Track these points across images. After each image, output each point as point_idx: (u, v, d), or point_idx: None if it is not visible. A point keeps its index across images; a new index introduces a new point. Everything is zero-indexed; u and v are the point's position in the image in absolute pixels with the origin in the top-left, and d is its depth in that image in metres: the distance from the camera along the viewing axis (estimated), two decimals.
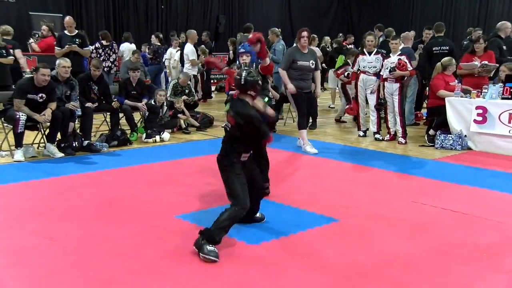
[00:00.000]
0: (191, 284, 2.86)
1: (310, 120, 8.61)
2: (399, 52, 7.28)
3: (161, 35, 12.25)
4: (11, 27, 11.34)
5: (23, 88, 5.84)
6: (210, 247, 3.17)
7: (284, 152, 6.39)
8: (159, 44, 11.05)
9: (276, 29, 9.79)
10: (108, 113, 7.18)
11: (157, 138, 7.09)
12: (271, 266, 3.11)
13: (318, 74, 6.75)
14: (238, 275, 2.99)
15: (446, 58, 7.20)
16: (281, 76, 6.60)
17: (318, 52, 11.13)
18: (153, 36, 11.40)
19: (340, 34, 14.33)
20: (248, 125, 3.32)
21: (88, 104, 6.54)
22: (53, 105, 5.93)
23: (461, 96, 6.88)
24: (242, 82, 3.42)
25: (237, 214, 3.28)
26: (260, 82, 3.49)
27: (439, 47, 8.05)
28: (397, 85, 7.09)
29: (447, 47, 8.01)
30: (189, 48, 9.75)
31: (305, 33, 6.44)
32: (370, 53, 7.39)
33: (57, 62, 6.32)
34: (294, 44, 6.67)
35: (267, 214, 4.02)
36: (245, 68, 3.84)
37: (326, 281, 2.94)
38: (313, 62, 6.49)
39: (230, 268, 3.07)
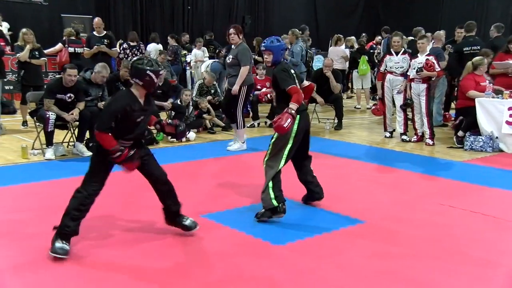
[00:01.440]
0: (215, 284, 2.88)
1: (336, 121, 8.57)
2: (427, 52, 7.15)
3: (186, 36, 12.37)
4: (44, 28, 11.76)
5: (52, 88, 6.01)
6: (59, 244, 3.11)
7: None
8: (176, 44, 11.15)
9: (297, 30, 9.74)
10: None
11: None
12: (296, 266, 3.10)
13: (241, 70, 6.21)
14: (262, 275, 2.99)
15: (477, 58, 7.02)
16: None
17: (344, 53, 11.05)
18: (168, 37, 11.46)
19: (363, 34, 14.17)
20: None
21: None
22: (81, 105, 6.06)
23: (493, 97, 6.71)
24: (129, 67, 3.25)
25: (80, 200, 3.22)
26: (151, 71, 3.18)
27: (469, 47, 7.85)
28: (424, 85, 6.96)
29: (478, 47, 7.81)
30: None
31: (231, 30, 6.42)
32: (397, 53, 7.29)
33: (99, 69, 6.41)
34: None
35: (293, 215, 4.02)
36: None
37: (352, 282, 2.91)
38: (230, 57, 6.35)
39: (254, 269, 3.07)
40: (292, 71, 4.02)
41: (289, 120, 3.65)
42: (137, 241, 3.47)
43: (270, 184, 3.80)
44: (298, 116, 3.80)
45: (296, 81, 3.94)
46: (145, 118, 3.38)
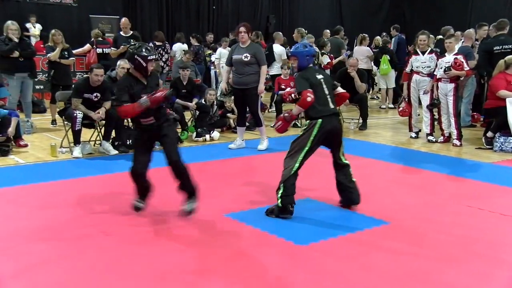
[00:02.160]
0: (238, 283, 2.89)
1: (361, 121, 8.48)
2: (456, 51, 7.00)
3: (210, 36, 12.47)
4: (73, 29, 12.06)
5: (80, 88, 6.14)
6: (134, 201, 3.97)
7: None
8: (198, 44, 11.23)
9: (302, 29, 10.04)
10: None
11: (207, 137, 7.20)
12: (319, 267, 3.08)
13: (262, 70, 6.32)
14: (285, 275, 2.98)
15: (510, 56, 6.82)
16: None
17: (369, 52, 10.92)
18: (190, 37, 11.57)
19: (384, 34, 14.00)
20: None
21: None
22: (108, 104, 6.17)
23: None
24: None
25: (130, 174, 3.86)
26: (138, 55, 3.66)
27: (500, 46, 7.59)
28: (452, 85, 6.81)
29: (510, 46, 7.56)
30: (279, 48, 9.97)
31: (242, 28, 6.35)
32: (423, 53, 7.16)
33: (118, 62, 6.56)
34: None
35: (317, 215, 4.00)
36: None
37: (376, 284, 2.87)
38: (247, 55, 6.24)
39: (277, 268, 3.07)
40: (320, 77, 4.00)
41: (279, 122, 4.04)
42: (158, 237, 3.52)
43: (282, 185, 3.85)
44: (320, 120, 3.85)
45: (324, 86, 3.97)
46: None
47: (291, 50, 4.17)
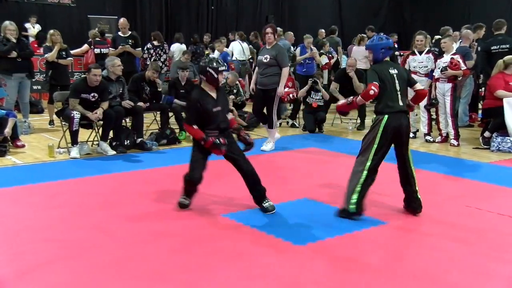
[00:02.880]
0: (236, 283, 2.89)
1: (359, 121, 8.48)
2: (453, 51, 7.01)
3: (207, 35, 12.48)
4: (72, 29, 12.06)
5: (77, 88, 6.12)
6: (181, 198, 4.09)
7: (332, 153, 6.31)
8: (195, 46, 11.25)
9: (279, 28, 9.99)
10: (158, 112, 7.36)
11: None
12: (316, 267, 3.08)
13: (283, 72, 6.26)
14: (282, 275, 2.98)
15: (509, 56, 6.83)
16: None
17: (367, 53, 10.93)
18: (191, 38, 11.59)
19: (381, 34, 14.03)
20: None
21: (140, 104, 6.74)
22: (105, 105, 6.15)
23: None
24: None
25: (185, 181, 3.97)
26: (211, 68, 3.85)
27: (498, 46, 7.63)
28: (449, 85, 6.81)
29: (508, 46, 7.58)
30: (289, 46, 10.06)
31: (268, 29, 6.34)
32: (420, 53, 7.16)
33: (112, 62, 6.53)
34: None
35: (314, 215, 4.00)
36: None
37: (373, 284, 2.87)
38: (267, 57, 6.23)
39: (274, 269, 3.07)
40: (394, 72, 3.87)
41: (343, 101, 4.18)
42: (158, 238, 3.51)
43: (359, 188, 3.81)
44: (386, 116, 3.78)
45: (396, 82, 3.83)
46: (222, 110, 3.99)
47: (367, 43, 4.13)
